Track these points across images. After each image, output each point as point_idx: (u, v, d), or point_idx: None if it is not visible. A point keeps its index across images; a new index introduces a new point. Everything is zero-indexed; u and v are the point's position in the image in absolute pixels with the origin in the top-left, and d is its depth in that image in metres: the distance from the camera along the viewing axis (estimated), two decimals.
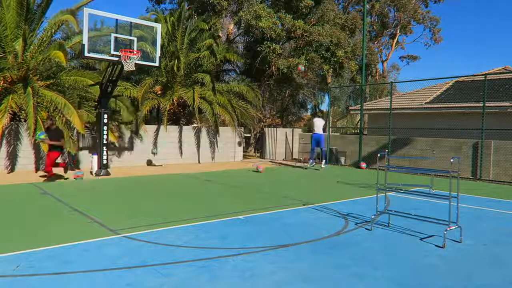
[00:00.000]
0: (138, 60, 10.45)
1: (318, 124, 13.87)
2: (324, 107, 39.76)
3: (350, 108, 24.63)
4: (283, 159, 18.18)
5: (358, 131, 17.02)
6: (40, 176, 10.43)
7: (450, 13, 57.34)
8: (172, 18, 15.64)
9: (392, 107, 14.72)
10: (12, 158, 11.52)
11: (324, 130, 14.03)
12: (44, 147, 10.74)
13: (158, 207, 6.96)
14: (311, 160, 13.91)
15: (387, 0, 31.18)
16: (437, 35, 35.67)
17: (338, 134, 21.78)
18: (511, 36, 61.38)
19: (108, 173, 11.19)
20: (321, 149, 14.02)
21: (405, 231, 5.62)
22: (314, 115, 14.74)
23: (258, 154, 20.14)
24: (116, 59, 10.24)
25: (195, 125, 15.79)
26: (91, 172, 11.42)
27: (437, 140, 13.25)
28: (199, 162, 15.55)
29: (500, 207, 7.61)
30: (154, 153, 14.70)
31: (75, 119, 11.00)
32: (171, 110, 15.79)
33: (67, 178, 10.29)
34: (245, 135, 19.21)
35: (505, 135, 11.92)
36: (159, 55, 11.28)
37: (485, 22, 65.87)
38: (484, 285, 3.76)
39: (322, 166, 13.87)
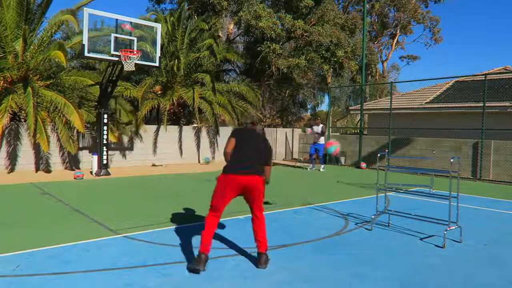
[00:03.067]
0: (138, 60, 10.44)
1: (316, 131, 13.75)
2: (324, 107, 39.81)
3: (350, 108, 24.63)
4: (283, 159, 18.17)
5: (358, 131, 17.02)
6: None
7: (450, 13, 57.39)
8: (172, 18, 15.64)
9: (392, 107, 14.72)
10: (12, 158, 11.51)
11: (322, 133, 13.83)
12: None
13: (158, 207, 6.95)
14: (311, 165, 13.89)
15: (387, 0, 31.17)
16: (437, 35, 35.68)
17: (338, 134, 21.79)
18: (511, 36, 61.41)
19: (108, 173, 11.19)
20: (319, 155, 13.93)
21: (405, 231, 5.62)
22: (311, 122, 14.38)
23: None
24: (116, 59, 10.23)
25: (195, 125, 15.79)
26: (91, 172, 11.42)
27: (437, 140, 13.25)
28: (199, 162, 15.55)
29: (500, 207, 7.61)
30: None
31: (75, 119, 11.00)
32: (171, 110, 15.79)
33: None
34: None
35: (505, 135, 11.92)
36: (159, 55, 11.28)
37: (485, 22, 65.94)
38: (484, 285, 3.76)
39: (321, 169, 13.73)
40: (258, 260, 4.08)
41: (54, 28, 12.24)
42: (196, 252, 4.45)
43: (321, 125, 13.95)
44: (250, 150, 4.15)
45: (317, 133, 13.78)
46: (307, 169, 13.95)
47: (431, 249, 4.83)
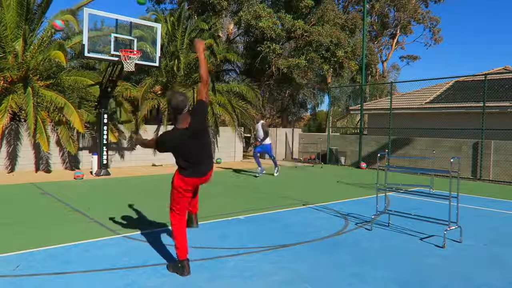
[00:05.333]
0: (138, 60, 10.44)
1: (258, 129, 11.71)
2: (324, 107, 39.80)
3: (350, 108, 24.63)
4: (283, 159, 18.17)
5: (358, 131, 17.03)
6: None
7: (450, 13, 57.41)
8: (172, 18, 15.64)
9: (392, 107, 14.72)
10: (12, 158, 11.51)
11: (266, 134, 11.59)
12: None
13: (158, 207, 6.95)
14: (260, 168, 11.71)
15: (387, 0, 31.16)
16: (437, 35, 35.67)
17: (338, 134, 21.79)
18: (511, 36, 61.42)
19: (108, 173, 11.19)
20: (270, 157, 12.16)
21: (405, 231, 5.62)
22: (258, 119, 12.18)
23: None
24: (116, 59, 10.23)
25: None
26: (91, 172, 11.42)
27: (437, 140, 13.25)
28: None
29: (500, 207, 7.61)
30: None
31: (75, 118, 11.00)
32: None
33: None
34: (245, 135, 19.21)
35: (505, 135, 11.92)
36: (159, 55, 11.27)
37: (485, 22, 65.94)
38: (484, 285, 3.76)
39: (275, 174, 11.79)
40: (192, 220, 4.40)
41: (54, 28, 12.24)
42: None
43: (261, 122, 11.72)
44: (200, 152, 3.91)
45: (258, 133, 11.70)
46: (256, 175, 11.79)
47: (431, 249, 4.83)
